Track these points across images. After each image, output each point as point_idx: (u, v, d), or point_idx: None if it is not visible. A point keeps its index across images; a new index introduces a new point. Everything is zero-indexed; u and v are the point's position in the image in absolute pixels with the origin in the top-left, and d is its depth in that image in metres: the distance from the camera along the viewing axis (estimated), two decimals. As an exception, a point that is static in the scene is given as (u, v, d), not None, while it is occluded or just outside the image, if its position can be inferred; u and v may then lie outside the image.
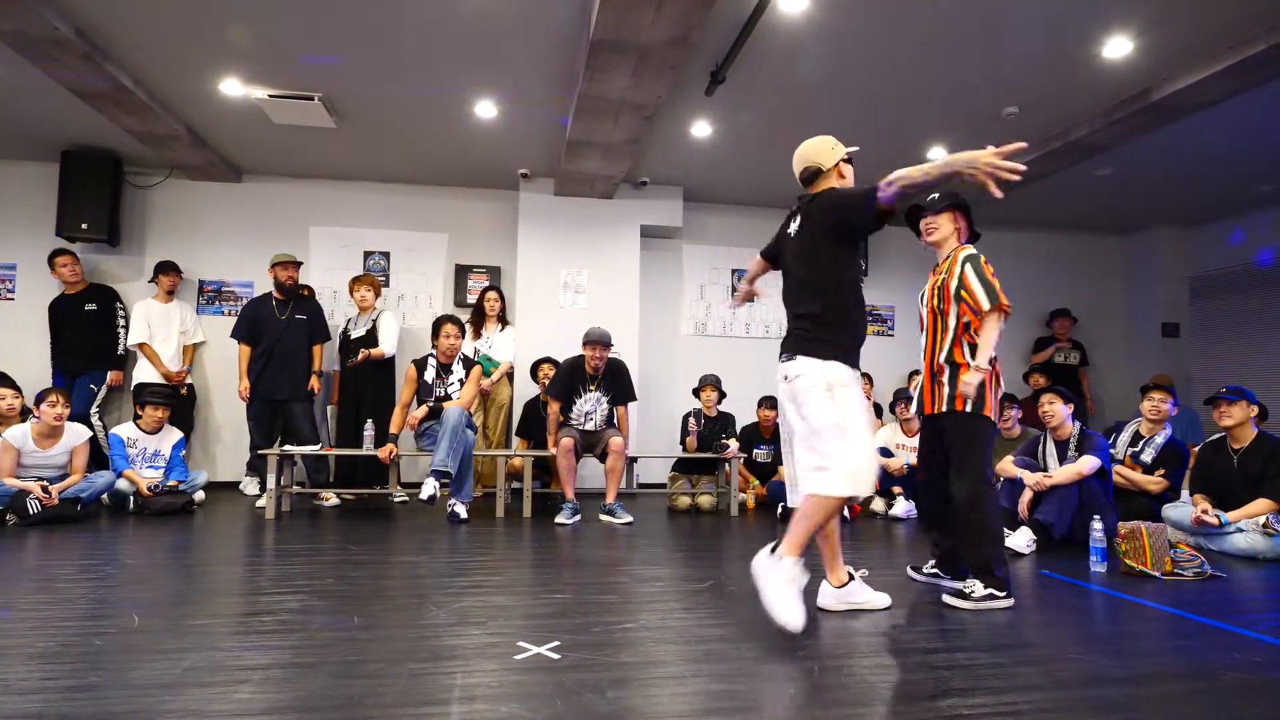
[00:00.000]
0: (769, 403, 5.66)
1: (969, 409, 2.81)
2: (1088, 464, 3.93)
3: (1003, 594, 2.70)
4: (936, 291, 2.97)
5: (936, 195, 3.06)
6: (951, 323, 2.92)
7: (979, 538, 2.74)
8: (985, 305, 2.82)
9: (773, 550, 2.40)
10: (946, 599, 2.73)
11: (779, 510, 4.95)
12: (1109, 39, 3.99)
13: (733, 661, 2.08)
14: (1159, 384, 4.52)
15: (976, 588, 2.70)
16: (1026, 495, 4.02)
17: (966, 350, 2.88)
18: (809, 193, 2.67)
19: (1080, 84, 4.48)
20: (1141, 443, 4.47)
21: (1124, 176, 6.08)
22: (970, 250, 2.96)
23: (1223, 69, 4.03)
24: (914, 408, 3.16)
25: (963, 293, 2.87)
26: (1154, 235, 7.52)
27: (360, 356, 5.46)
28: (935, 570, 3.10)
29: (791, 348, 2.52)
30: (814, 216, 2.56)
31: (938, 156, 5.64)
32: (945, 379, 2.90)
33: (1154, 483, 4.32)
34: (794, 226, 2.67)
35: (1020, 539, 3.83)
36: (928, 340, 3.03)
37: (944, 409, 2.88)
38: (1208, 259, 7.34)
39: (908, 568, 3.25)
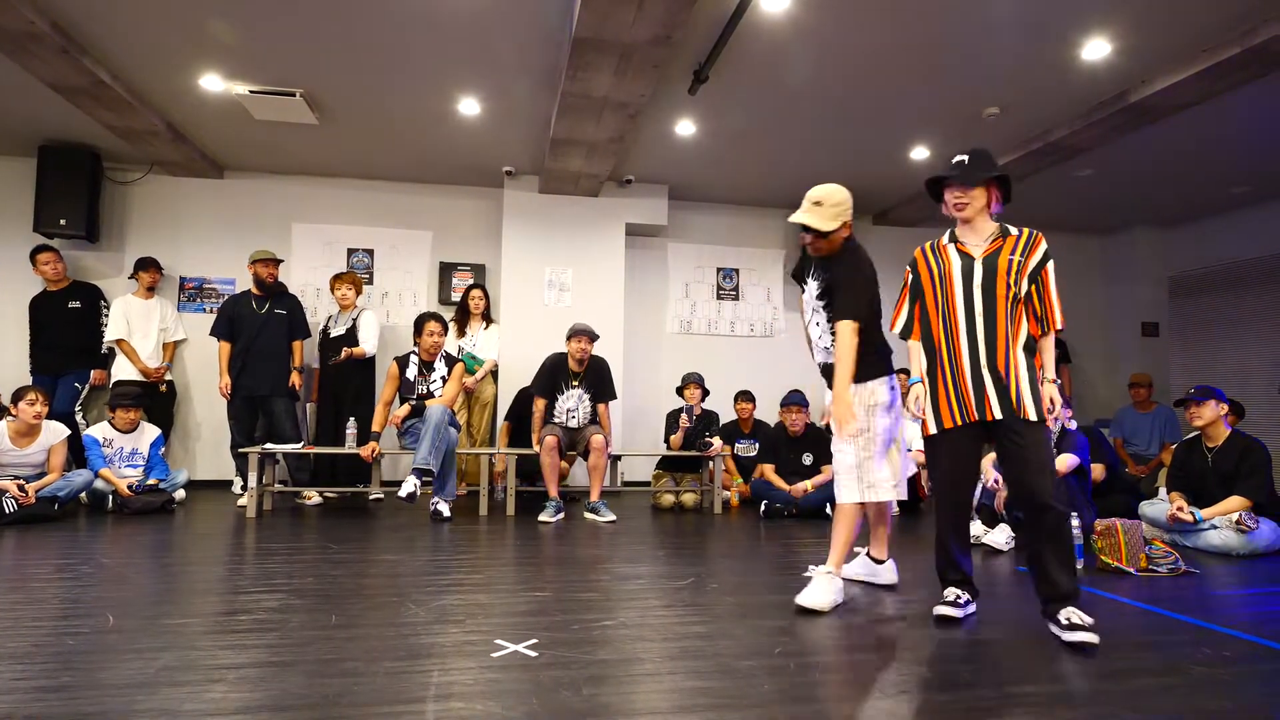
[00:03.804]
0: (744, 397, 5.89)
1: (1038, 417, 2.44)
2: (1066, 462, 3.97)
3: None
4: (1009, 276, 2.48)
5: (965, 158, 2.55)
6: (1019, 312, 2.51)
7: (1070, 559, 2.40)
8: (1059, 324, 2.51)
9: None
10: (1070, 637, 2.26)
11: (762, 508, 4.97)
12: (1088, 41, 4.03)
13: (709, 659, 2.09)
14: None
15: (1081, 616, 2.29)
16: (1004, 492, 4.06)
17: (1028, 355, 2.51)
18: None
19: (1060, 85, 4.53)
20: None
21: (1103, 177, 6.14)
22: (1046, 245, 2.59)
23: (1198, 71, 4.09)
24: (962, 410, 2.50)
25: (1038, 291, 2.51)
26: (1133, 235, 7.61)
27: (343, 355, 5.42)
28: (967, 598, 2.58)
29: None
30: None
31: (920, 156, 5.69)
32: (1022, 381, 2.43)
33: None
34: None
35: (999, 536, 3.87)
36: (984, 329, 2.48)
37: (1028, 414, 2.40)
38: (1186, 259, 7.43)
39: (934, 610, 2.56)
